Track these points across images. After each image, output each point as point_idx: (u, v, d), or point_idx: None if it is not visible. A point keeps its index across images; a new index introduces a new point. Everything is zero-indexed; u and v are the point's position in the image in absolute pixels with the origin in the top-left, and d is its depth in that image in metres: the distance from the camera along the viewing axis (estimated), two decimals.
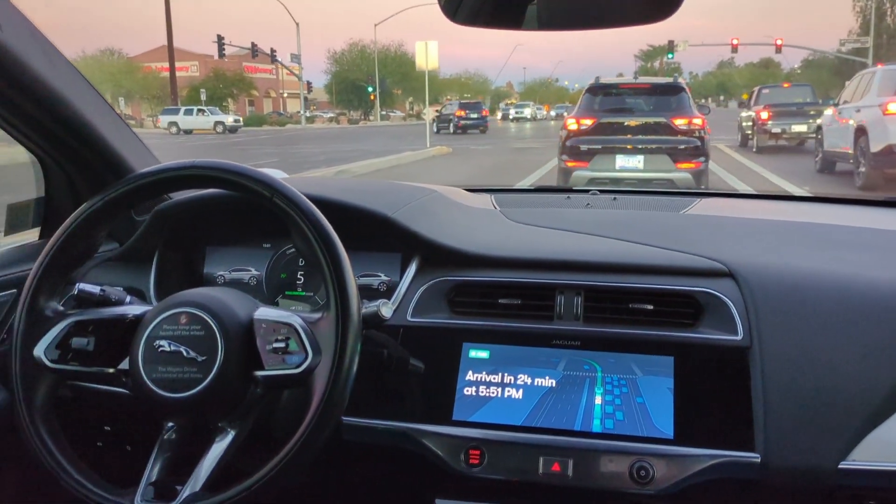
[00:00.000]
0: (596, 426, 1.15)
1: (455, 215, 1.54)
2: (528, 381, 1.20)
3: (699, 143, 7.92)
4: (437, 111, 35.57)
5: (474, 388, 1.21)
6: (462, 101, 34.07)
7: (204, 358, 0.99)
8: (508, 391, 1.20)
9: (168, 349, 1.00)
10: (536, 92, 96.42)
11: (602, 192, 1.92)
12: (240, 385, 1.01)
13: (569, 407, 1.17)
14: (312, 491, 1.38)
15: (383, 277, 1.40)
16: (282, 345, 1.00)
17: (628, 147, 8.01)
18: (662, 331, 1.20)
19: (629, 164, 7.96)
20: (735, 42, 35.35)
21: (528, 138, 27.31)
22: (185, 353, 0.99)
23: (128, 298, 1.14)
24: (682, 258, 1.29)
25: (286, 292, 1.45)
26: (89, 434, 1.38)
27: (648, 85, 8.72)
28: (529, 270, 1.30)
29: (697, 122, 8.02)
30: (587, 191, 1.94)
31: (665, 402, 1.14)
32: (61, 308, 1.09)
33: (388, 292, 1.37)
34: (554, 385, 1.19)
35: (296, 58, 46.32)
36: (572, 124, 8.25)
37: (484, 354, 1.23)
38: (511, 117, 52.63)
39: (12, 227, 1.45)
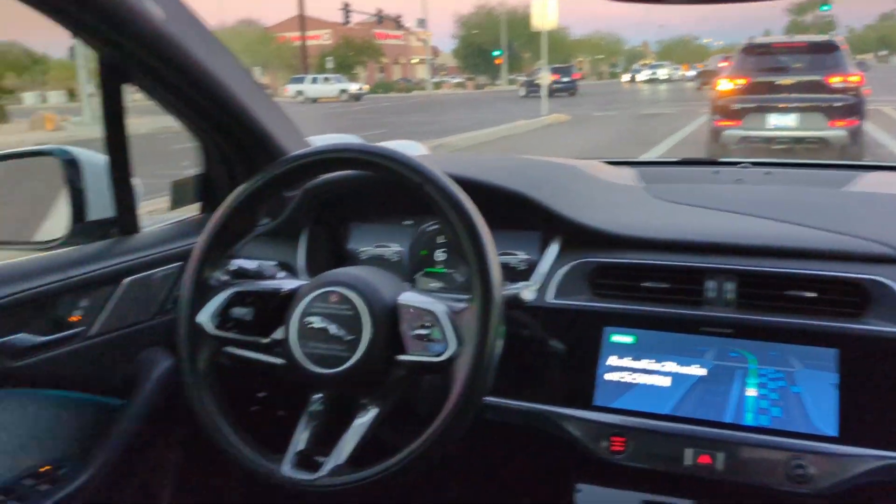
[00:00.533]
0: (748, 420, 1.11)
1: (597, 193, 1.51)
2: (675, 368, 1.17)
3: (855, 101, 7.96)
4: (527, 75, 36.18)
5: (617, 374, 1.19)
6: (554, 66, 33.72)
7: (351, 337, 1.03)
8: (653, 378, 1.18)
9: (318, 326, 1.05)
10: (674, 51, 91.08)
11: (754, 164, 1.81)
12: (383, 366, 1.04)
13: (719, 398, 1.13)
14: (452, 467, 1.42)
15: (523, 256, 1.40)
16: (425, 332, 1.02)
17: (781, 105, 8.09)
18: (825, 321, 1.13)
19: (782, 123, 8.11)
20: None
21: (661, 102, 26.10)
22: (334, 331, 1.04)
23: (280, 274, 1.21)
24: (846, 242, 1.20)
25: (426, 269, 1.48)
26: (244, 400, 1.48)
27: (803, 43, 8.83)
28: (677, 253, 1.26)
29: (854, 79, 8.06)
30: (737, 163, 1.84)
31: (827, 398, 1.08)
32: (225, 278, 1.17)
33: (527, 271, 1.37)
34: (703, 374, 1.15)
35: (422, 23, 46.54)
36: (725, 84, 8.47)
37: (627, 339, 1.21)
38: (643, 79, 51.05)
39: (176, 202, 1.57)
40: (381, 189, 1.43)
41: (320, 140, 1.68)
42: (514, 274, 1.38)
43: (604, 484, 1.21)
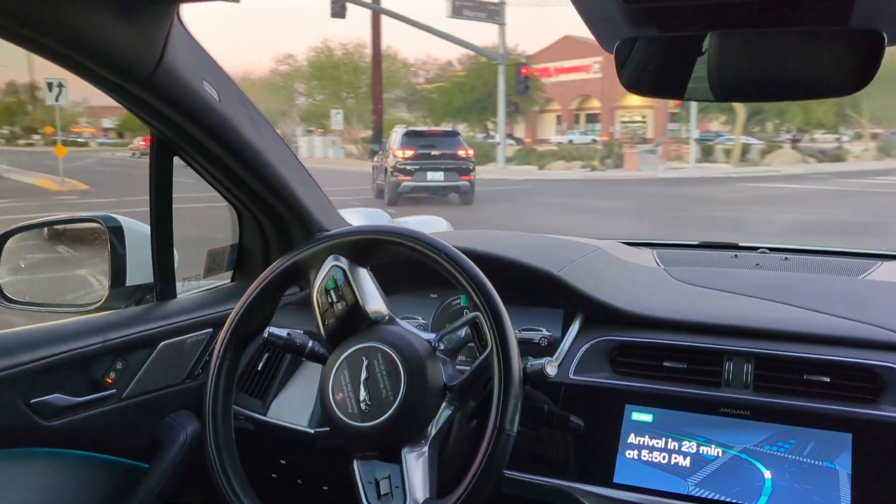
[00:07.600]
0: (763, 502, 1.19)
1: (619, 273, 1.62)
2: (694, 448, 1.26)
3: (471, 165, 14.90)
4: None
5: (636, 452, 1.28)
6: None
7: (393, 384, 1.13)
8: (673, 458, 1.26)
9: (363, 378, 1.15)
10: None
11: (772, 250, 1.92)
12: (431, 401, 1.14)
13: (736, 479, 1.22)
14: None
15: (545, 332, 1.50)
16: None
17: (435, 167, 14.48)
18: (840, 405, 1.22)
19: (436, 177, 14.55)
20: None
21: None
22: (379, 384, 1.14)
23: (310, 343, 1.30)
24: (862, 329, 1.30)
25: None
26: (265, 466, 1.56)
27: (440, 131, 16.59)
28: (696, 334, 1.36)
29: (470, 153, 15.16)
30: (756, 248, 1.95)
31: (841, 481, 1.16)
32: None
33: (549, 347, 1.47)
34: (720, 454, 1.24)
35: None
36: (399, 153, 14.57)
37: (647, 418, 1.30)
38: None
39: (210, 270, 1.70)
40: (409, 262, 1.55)
41: (351, 214, 1.82)
42: (537, 349, 1.48)
43: None
